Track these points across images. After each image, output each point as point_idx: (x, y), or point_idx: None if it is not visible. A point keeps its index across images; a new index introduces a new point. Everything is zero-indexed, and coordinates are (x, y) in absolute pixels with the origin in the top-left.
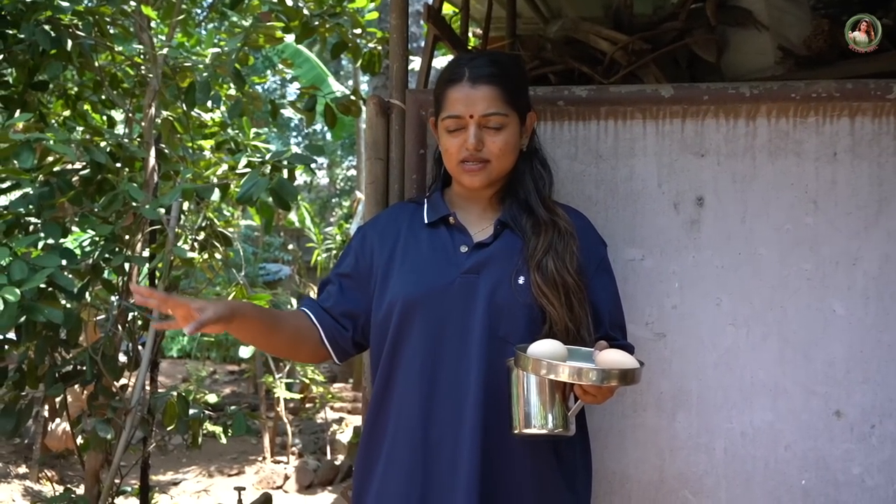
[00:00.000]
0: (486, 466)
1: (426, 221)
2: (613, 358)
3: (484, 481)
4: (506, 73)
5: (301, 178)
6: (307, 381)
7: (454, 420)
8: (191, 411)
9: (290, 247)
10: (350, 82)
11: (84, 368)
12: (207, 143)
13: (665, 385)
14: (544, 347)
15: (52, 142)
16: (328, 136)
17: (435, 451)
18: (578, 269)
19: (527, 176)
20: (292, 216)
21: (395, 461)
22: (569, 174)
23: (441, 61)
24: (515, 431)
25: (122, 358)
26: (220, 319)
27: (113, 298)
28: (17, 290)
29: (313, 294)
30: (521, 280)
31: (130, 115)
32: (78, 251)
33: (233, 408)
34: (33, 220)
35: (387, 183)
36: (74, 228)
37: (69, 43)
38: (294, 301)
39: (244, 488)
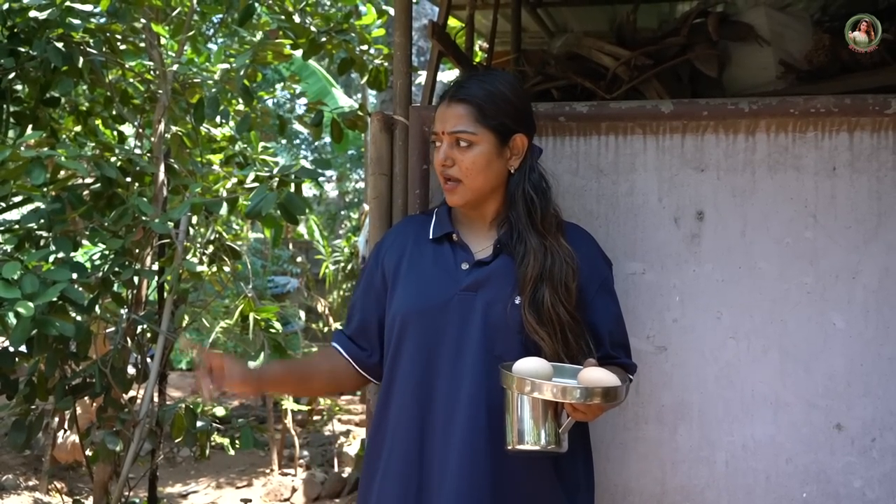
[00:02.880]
0: (477, 482)
1: (431, 237)
2: (596, 376)
3: (473, 497)
4: (485, 93)
5: (310, 190)
6: None
7: (445, 436)
8: (199, 423)
9: (299, 259)
10: (359, 96)
11: (93, 381)
12: (216, 158)
13: (666, 398)
14: (529, 365)
15: (63, 158)
16: None
17: (428, 466)
18: (577, 296)
19: (518, 199)
20: (301, 229)
21: (391, 475)
22: (570, 189)
23: (447, 76)
24: (509, 447)
25: (131, 370)
26: (245, 381)
27: (122, 311)
28: (31, 305)
29: (321, 307)
30: (517, 300)
31: (140, 130)
32: (88, 265)
33: (241, 420)
34: (44, 234)
35: (391, 198)
36: (85, 242)
37: (80, 60)
38: (302, 313)
39: (250, 500)
